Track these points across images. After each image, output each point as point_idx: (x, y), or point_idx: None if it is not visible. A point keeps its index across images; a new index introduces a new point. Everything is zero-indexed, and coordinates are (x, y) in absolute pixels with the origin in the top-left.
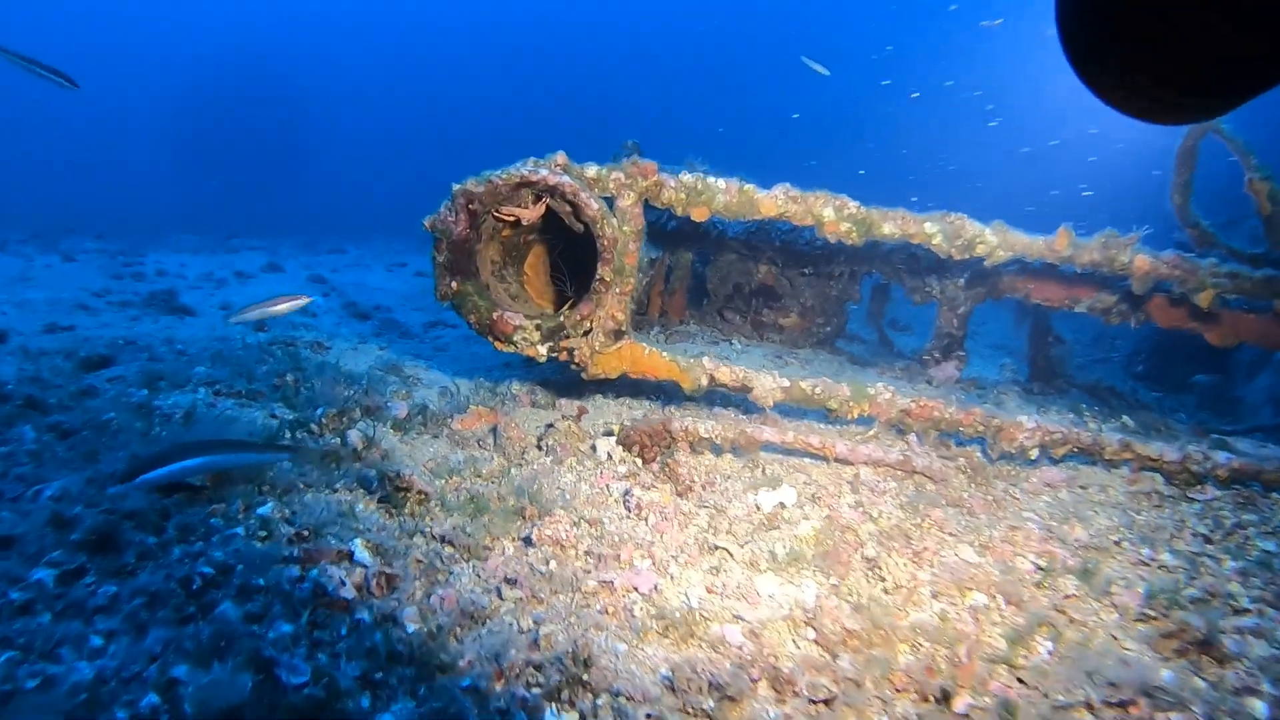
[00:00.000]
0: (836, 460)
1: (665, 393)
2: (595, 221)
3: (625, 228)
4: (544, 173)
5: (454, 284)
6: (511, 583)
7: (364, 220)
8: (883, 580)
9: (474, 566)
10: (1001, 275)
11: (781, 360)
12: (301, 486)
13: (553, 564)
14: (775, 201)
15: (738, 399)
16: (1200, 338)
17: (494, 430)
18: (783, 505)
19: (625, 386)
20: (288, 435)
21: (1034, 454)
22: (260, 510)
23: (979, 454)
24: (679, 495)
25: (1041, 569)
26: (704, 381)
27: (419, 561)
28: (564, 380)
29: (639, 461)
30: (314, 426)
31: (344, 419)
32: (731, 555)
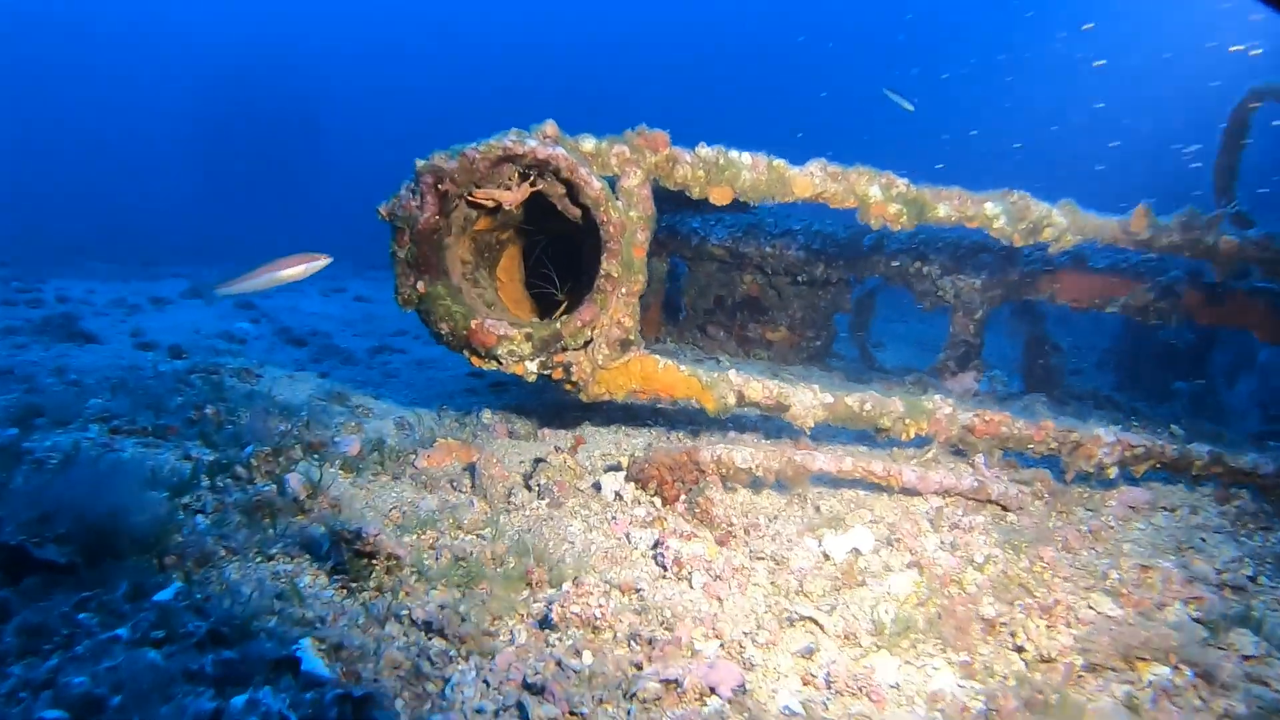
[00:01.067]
0: (902, 491)
1: (666, 417)
2: (597, 204)
3: (632, 213)
4: (532, 144)
5: (420, 285)
6: (536, 691)
7: (298, 246)
8: (1021, 651)
9: (477, 666)
10: (1023, 274)
11: (776, 378)
12: (223, 554)
13: (587, 656)
14: (811, 180)
15: (750, 420)
16: (1168, 343)
17: (471, 469)
18: (858, 551)
19: (617, 411)
20: (205, 482)
21: (1113, 472)
22: (160, 595)
23: (1050, 476)
24: (720, 544)
25: (1199, 620)
26: (731, 400)
27: (398, 666)
28: (543, 406)
29: (657, 502)
30: (241, 470)
31: (280, 459)
32: (821, 628)
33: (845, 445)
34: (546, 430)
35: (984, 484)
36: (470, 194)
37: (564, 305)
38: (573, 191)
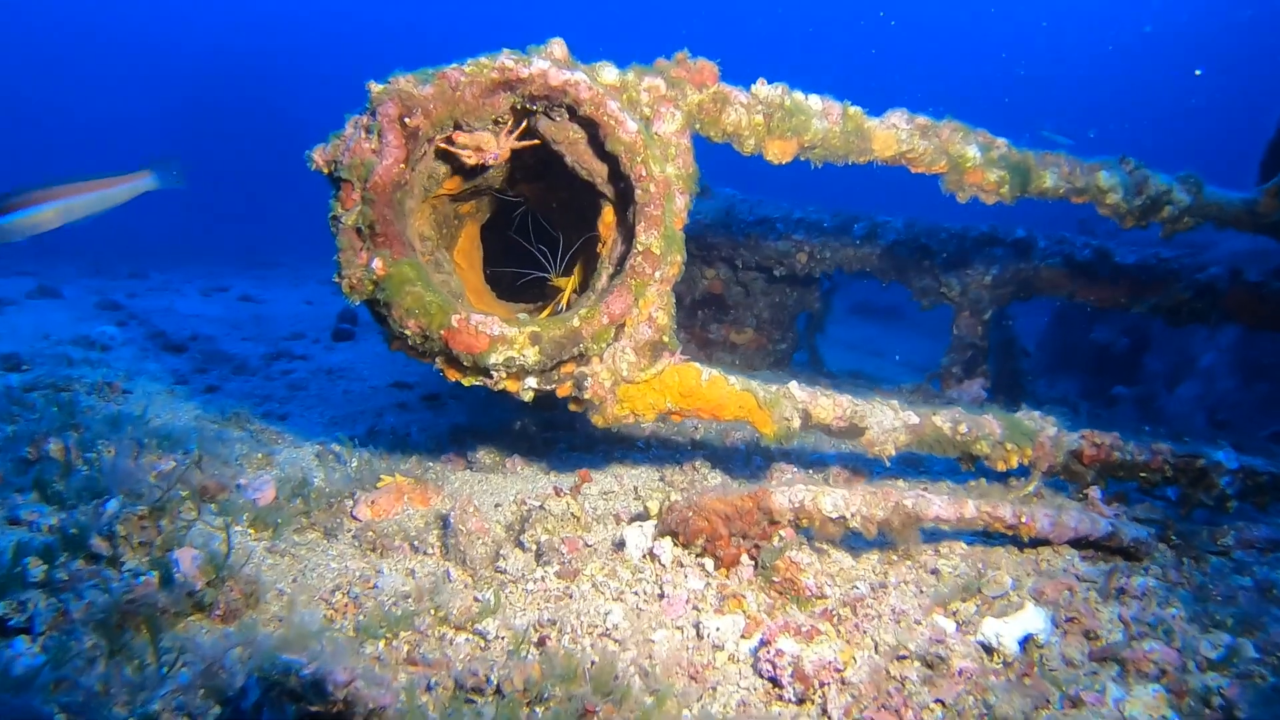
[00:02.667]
0: (1033, 540)
1: (659, 437)
2: (633, 153)
3: (670, 169)
4: (542, 65)
5: (377, 264)
6: None
7: (173, 243)
8: None
9: None
10: (1039, 270)
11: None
12: None
13: None
14: (895, 134)
15: (734, 457)
16: (1101, 347)
17: (438, 520)
18: (1035, 642)
19: (602, 434)
20: (39, 570)
21: (1233, 505)
22: None
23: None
24: (821, 629)
25: None
26: (795, 423)
27: None
28: (498, 424)
29: (709, 564)
30: (100, 543)
31: (162, 520)
32: None
33: (920, 481)
34: (518, 460)
35: (1117, 529)
36: (449, 138)
37: (557, 297)
38: (597, 133)
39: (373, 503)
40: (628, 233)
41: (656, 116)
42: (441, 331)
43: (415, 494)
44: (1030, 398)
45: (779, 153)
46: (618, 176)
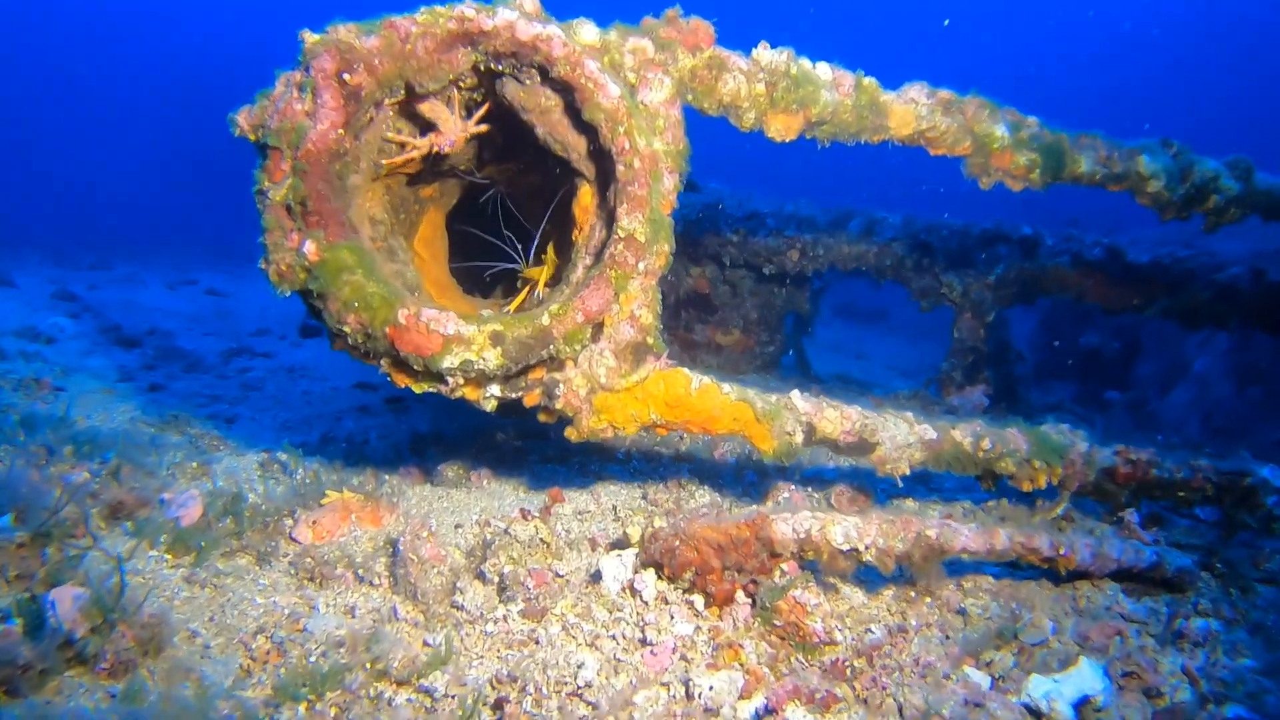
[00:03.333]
0: (1071, 574)
1: (640, 447)
2: (615, 121)
3: (656, 143)
4: (509, 16)
5: (310, 247)
6: None
7: (142, 234)
8: None
9: None
10: (1047, 269)
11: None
12: None
13: None
14: (914, 110)
15: (723, 473)
16: (1091, 351)
17: (392, 546)
18: (1092, 705)
19: (578, 445)
20: None
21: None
22: None
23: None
24: (835, 688)
25: None
26: (798, 438)
27: None
28: (467, 432)
29: (698, 602)
30: None
31: (50, 548)
32: None
33: (922, 503)
34: (484, 473)
35: (1161, 559)
36: (406, 103)
37: (525, 290)
38: (572, 102)
39: (315, 523)
40: (608, 217)
41: (643, 83)
42: (386, 329)
43: (365, 512)
44: (1024, 404)
45: (782, 128)
46: (598, 152)
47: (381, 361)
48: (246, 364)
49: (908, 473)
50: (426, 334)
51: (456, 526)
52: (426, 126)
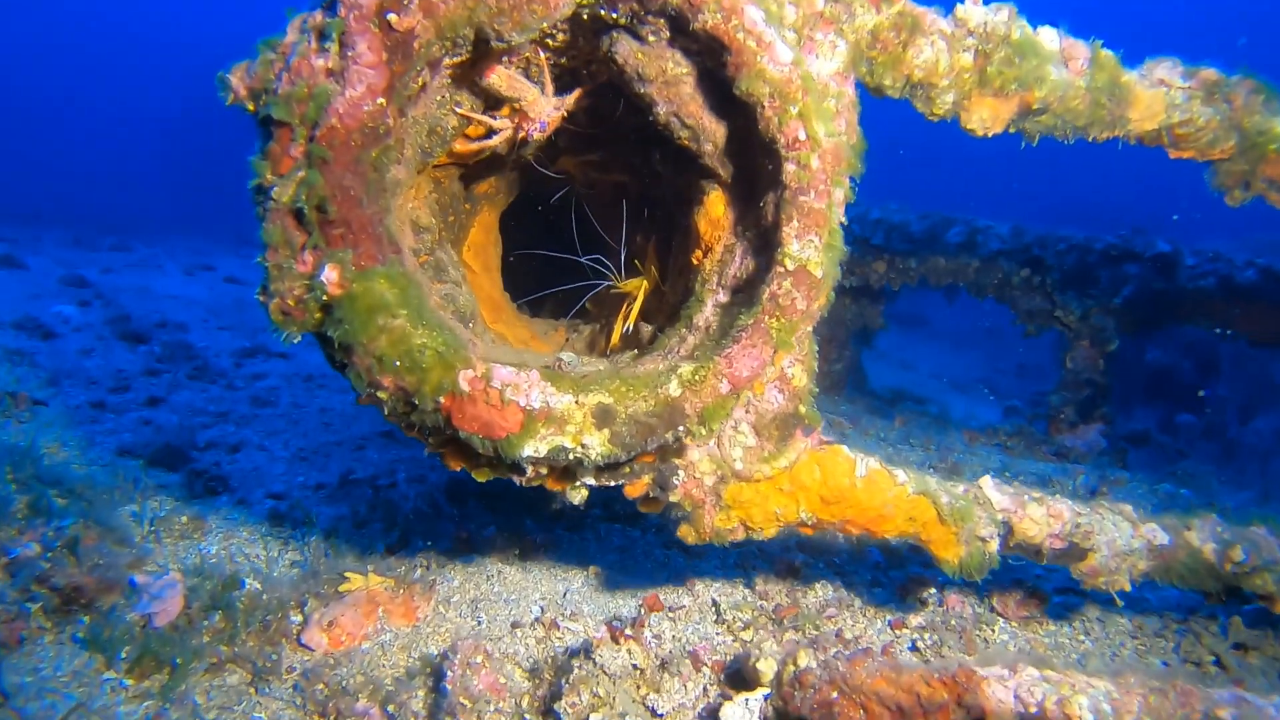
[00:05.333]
0: None
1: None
2: (784, 99)
3: (834, 129)
4: None
5: (333, 273)
6: None
7: (165, 215)
8: None
9: None
10: (1186, 292)
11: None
12: None
13: None
14: (1164, 97)
15: (842, 552)
16: (1159, 370)
17: (434, 671)
18: None
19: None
20: None
21: None
22: None
23: None
24: None
25: None
26: (993, 545)
27: None
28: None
29: None
30: None
31: None
32: None
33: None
34: (541, 541)
35: None
36: (461, 63)
37: (622, 314)
38: (714, 70)
39: (331, 623)
40: (759, 237)
41: (807, 46)
42: (441, 399)
43: (395, 604)
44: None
45: (988, 117)
46: (744, 143)
47: (429, 439)
48: (260, 367)
49: (1128, 588)
50: (500, 407)
51: (514, 627)
52: (491, 104)
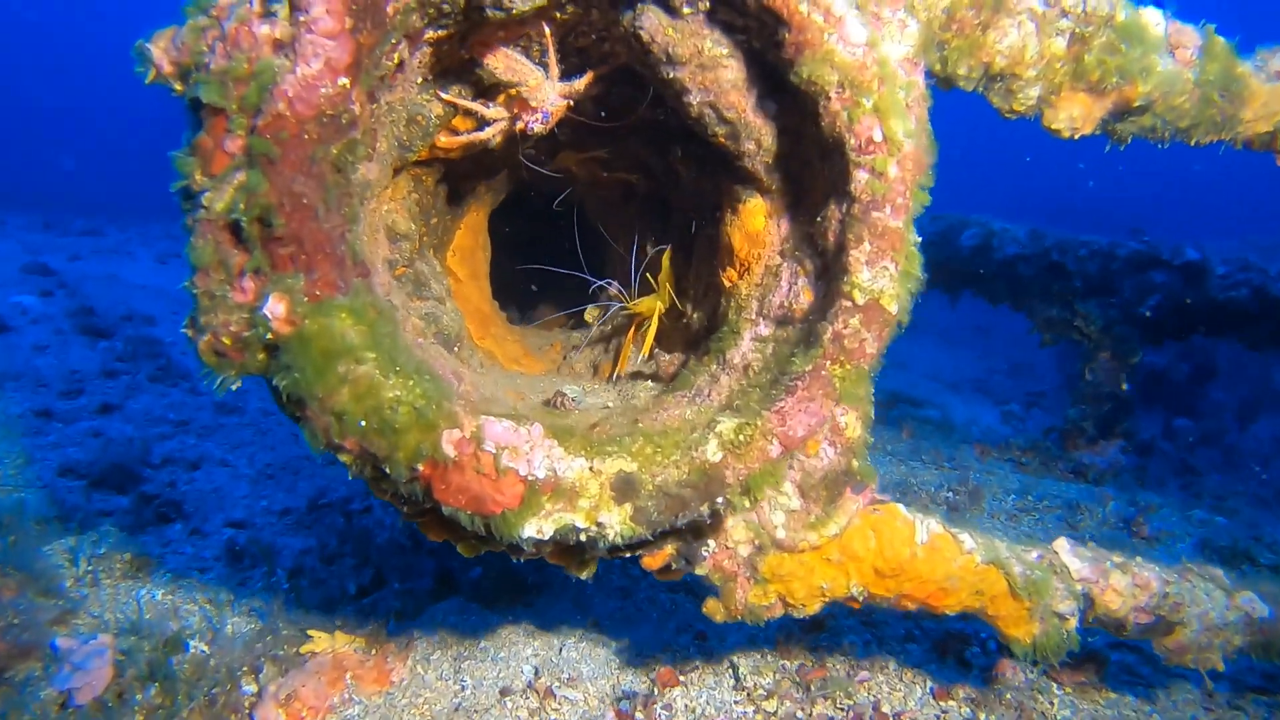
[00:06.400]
0: None
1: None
2: (857, 90)
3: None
4: None
5: (280, 305)
6: None
7: (142, 197)
8: None
9: None
10: (1217, 303)
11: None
12: None
13: None
14: None
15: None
16: (1155, 373)
17: None
18: None
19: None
20: None
21: None
22: None
23: None
24: None
25: None
26: (1072, 622)
27: None
28: None
29: None
30: None
31: None
32: None
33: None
34: (533, 584)
35: None
36: (448, 37)
37: (630, 336)
38: (764, 54)
39: (289, 696)
40: (819, 259)
41: (873, 26)
42: (420, 466)
43: (365, 670)
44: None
45: (1079, 116)
46: (801, 143)
47: (404, 507)
48: None
49: (1221, 668)
50: (494, 478)
51: (503, 694)
52: (482, 91)
